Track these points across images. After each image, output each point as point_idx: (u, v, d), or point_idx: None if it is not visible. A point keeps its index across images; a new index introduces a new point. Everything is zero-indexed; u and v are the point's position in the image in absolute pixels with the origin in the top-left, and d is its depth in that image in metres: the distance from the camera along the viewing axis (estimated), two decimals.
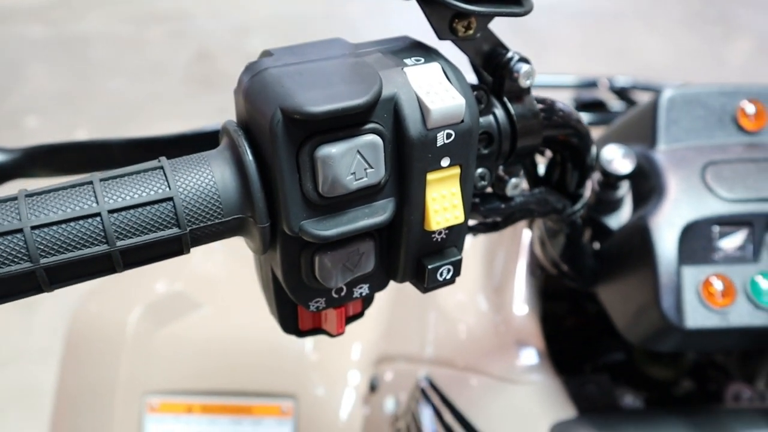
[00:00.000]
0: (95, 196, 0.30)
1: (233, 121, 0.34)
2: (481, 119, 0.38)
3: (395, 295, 0.84)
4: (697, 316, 0.48)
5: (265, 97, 0.31)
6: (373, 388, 0.77)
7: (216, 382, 0.76)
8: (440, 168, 0.34)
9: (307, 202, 0.32)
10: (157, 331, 0.78)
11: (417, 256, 0.36)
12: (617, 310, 0.54)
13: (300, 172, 0.31)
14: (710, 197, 0.51)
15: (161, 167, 0.32)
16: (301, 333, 0.40)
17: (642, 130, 0.57)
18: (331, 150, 0.31)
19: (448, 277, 0.37)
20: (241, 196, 0.32)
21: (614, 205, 0.55)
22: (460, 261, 0.36)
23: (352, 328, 0.41)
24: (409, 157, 0.33)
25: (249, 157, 0.32)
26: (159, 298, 0.80)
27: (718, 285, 0.49)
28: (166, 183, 0.31)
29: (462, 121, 0.33)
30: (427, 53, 0.35)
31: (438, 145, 0.33)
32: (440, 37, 0.37)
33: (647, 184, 0.53)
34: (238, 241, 0.42)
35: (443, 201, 0.34)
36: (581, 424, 0.55)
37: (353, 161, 0.31)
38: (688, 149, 0.54)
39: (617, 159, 0.52)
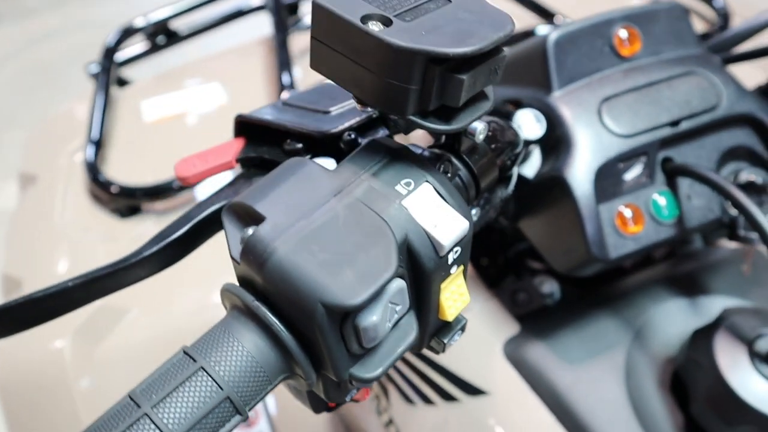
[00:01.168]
0: (159, 429, 0.30)
1: (245, 292, 0.33)
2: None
3: None
4: (617, 247, 0.56)
5: (295, 289, 0.31)
6: None
7: None
8: (450, 275, 0.36)
9: (351, 356, 0.33)
10: (96, 348, 0.76)
11: (433, 334, 0.39)
12: (545, 246, 0.62)
13: (344, 339, 0.32)
14: (611, 138, 0.56)
15: (201, 367, 0.32)
16: (330, 409, 0.43)
17: (534, 75, 0.60)
18: (371, 318, 0.32)
19: (458, 338, 0.41)
20: (282, 361, 0.33)
21: (526, 157, 0.59)
22: (466, 322, 0.40)
23: None
24: (427, 282, 0.35)
25: (286, 333, 0.32)
26: (81, 319, 0.76)
27: (628, 213, 0.57)
28: (215, 384, 0.31)
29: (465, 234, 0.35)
30: (410, 168, 0.35)
31: (449, 263, 0.35)
32: (406, 132, 0.37)
33: (553, 134, 0.57)
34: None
35: (453, 295, 0.37)
36: (528, 338, 0.65)
37: (387, 312, 0.33)
38: (581, 89, 0.58)
39: (531, 124, 0.56)
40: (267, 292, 0.32)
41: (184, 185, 0.46)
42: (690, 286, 0.66)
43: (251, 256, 0.32)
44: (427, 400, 0.68)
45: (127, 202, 0.87)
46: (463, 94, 0.33)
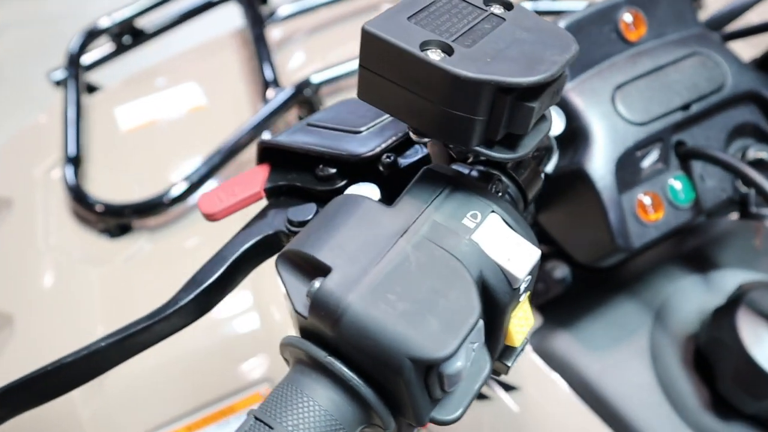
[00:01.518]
0: None
1: (317, 348, 0.32)
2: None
3: None
4: (640, 236, 0.57)
5: (377, 345, 0.30)
6: None
7: (187, 402, 0.75)
8: (519, 302, 0.35)
9: (432, 401, 0.33)
10: (102, 385, 0.74)
11: (498, 359, 0.39)
12: (567, 238, 0.62)
13: (428, 388, 0.31)
14: (627, 126, 0.56)
15: None
16: None
17: None
18: (456, 364, 0.31)
19: (520, 357, 0.40)
20: (360, 413, 0.32)
21: None
22: (527, 341, 0.40)
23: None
24: (500, 315, 0.34)
25: (366, 388, 0.31)
26: None
27: (647, 201, 0.57)
28: None
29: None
30: (472, 197, 0.34)
31: (521, 292, 0.34)
32: (462, 160, 0.36)
33: (570, 126, 0.57)
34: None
35: (520, 321, 0.36)
36: (552, 329, 0.65)
37: (468, 354, 0.32)
38: (592, 78, 0.58)
39: (554, 121, 0.55)
40: (340, 345, 0.31)
41: (210, 221, 0.44)
42: (701, 261, 0.67)
43: (322, 311, 0.31)
44: None
45: (115, 221, 0.83)
46: (532, 121, 0.32)
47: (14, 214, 0.88)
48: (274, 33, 1.05)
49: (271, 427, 0.31)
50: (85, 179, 0.87)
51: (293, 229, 0.41)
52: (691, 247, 0.70)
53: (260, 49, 0.93)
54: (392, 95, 0.33)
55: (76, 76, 0.94)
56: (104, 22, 0.99)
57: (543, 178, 0.47)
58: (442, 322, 0.30)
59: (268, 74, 0.90)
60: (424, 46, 0.31)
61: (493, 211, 0.34)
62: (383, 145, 0.41)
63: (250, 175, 0.45)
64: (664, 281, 0.66)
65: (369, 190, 0.40)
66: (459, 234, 0.33)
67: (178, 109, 0.98)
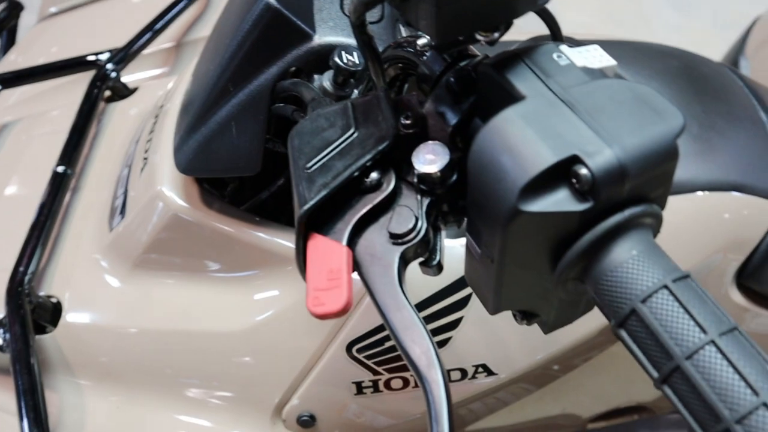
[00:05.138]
0: None
1: (641, 206, 0.34)
2: None
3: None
4: None
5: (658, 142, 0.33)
6: (308, 420, 0.72)
7: None
8: None
9: None
10: None
11: None
12: None
13: None
14: None
15: None
16: None
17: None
18: None
19: None
20: None
21: None
22: None
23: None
24: None
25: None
26: None
27: None
28: None
29: None
30: (534, 49, 0.39)
31: None
32: None
33: None
34: None
35: None
36: None
37: None
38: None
39: None
40: (633, 186, 0.33)
41: (344, 315, 0.38)
42: None
43: (611, 178, 0.32)
44: None
45: None
46: None
47: None
48: None
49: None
50: None
51: (407, 238, 0.40)
52: None
53: None
54: None
55: None
56: None
57: None
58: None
59: None
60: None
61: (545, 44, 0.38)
62: (401, 120, 0.42)
63: (320, 249, 0.40)
64: None
65: (440, 148, 0.40)
66: (575, 65, 0.37)
67: None
